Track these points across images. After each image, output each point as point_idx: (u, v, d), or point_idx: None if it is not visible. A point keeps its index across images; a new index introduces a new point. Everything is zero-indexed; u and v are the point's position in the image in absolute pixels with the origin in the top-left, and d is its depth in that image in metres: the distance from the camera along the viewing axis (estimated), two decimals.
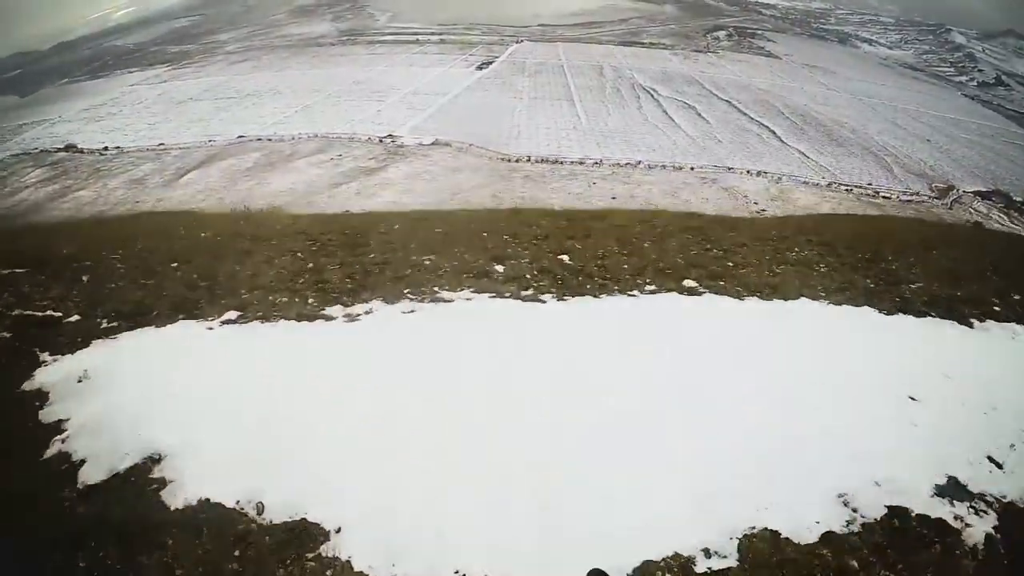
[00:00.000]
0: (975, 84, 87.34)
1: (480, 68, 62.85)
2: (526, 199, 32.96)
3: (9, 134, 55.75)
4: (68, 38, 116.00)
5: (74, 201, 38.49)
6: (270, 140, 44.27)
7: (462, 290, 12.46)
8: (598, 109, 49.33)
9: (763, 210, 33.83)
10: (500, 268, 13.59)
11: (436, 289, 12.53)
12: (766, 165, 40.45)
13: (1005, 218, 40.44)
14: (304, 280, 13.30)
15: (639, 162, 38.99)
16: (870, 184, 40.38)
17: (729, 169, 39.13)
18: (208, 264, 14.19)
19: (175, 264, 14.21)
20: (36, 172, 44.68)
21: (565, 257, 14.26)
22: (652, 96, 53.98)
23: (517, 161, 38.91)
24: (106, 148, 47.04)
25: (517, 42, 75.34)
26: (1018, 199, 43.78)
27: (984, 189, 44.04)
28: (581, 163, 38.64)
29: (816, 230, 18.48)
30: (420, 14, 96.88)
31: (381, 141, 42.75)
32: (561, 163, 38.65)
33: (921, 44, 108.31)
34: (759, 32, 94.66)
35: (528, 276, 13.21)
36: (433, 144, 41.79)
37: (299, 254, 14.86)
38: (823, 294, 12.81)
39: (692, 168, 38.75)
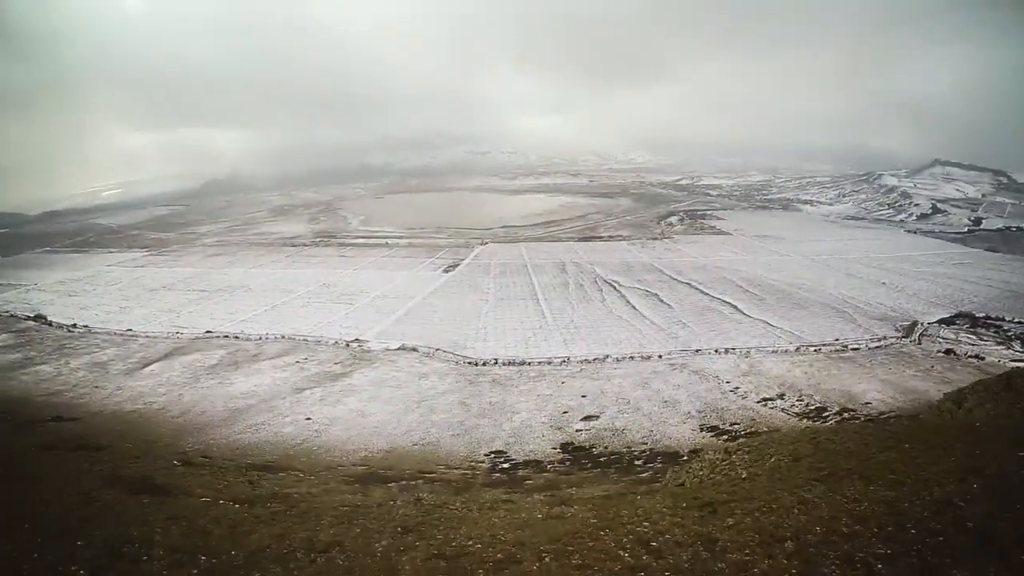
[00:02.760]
0: (914, 218, 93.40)
1: (447, 270, 65.52)
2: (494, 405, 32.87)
3: None
4: (56, 208, 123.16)
5: (33, 374, 38.18)
6: (237, 338, 44.80)
7: None
8: (563, 306, 50.68)
9: (736, 388, 33.80)
10: None
11: None
12: (733, 341, 40.99)
13: (974, 337, 41.24)
14: None
15: (607, 356, 39.27)
16: (837, 339, 40.97)
17: (697, 351, 39.49)
18: None
19: None
20: (1, 337, 45.31)
21: None
22: (614, 288, 55.86)
23: (484, 364, 39.01)
24: (74, 325, 47.97)
25: (482, 244, 79.47)
26: (981, 315, 45.11)
27: (947, 315, 45.58)
28: (549, 362, 38.78)
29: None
30: (390, 218, 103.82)
31: (348, 345, 43.14)
32: (528, 364, 38.75)
33: (858, 194, 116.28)
34: (708, 212, 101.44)
35: None
36: (400, 349, 42.13)
37: None
38: None
39: (660, 356, 39.03)
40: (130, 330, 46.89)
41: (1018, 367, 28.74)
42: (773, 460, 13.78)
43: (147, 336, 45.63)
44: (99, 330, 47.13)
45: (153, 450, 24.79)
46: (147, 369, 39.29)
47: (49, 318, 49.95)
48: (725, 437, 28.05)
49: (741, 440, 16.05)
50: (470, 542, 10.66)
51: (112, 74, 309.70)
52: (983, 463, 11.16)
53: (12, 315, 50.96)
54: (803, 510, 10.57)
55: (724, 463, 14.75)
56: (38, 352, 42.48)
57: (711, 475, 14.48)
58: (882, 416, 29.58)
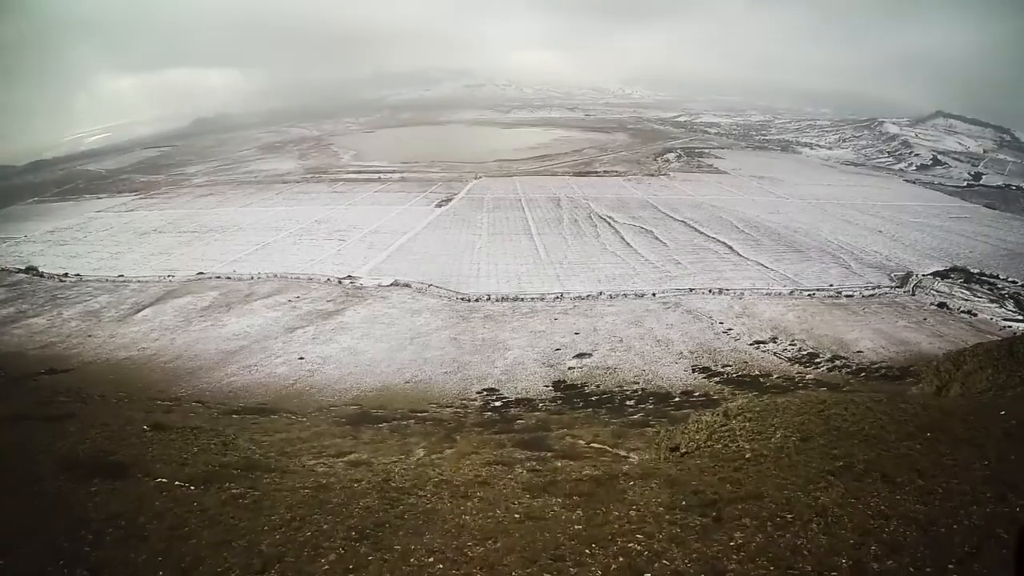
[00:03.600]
0: (914, 168, 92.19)
1: (440, 205, 64.34)
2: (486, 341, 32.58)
3: None
4: (44, 157, 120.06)
5: (26, 328, 37.67)
6: (229, 278, 44.15)
7: None
8: (557, 242, 50.06)
9: (729, 329, 33.62)
10: None
11: None
12: (727, 282, 40.66)
13: (968, 293, 41.12)
14: None
15: (600, 293, 38.92)
16: (831, 285, 40.76)
17: (691, 291, 39.21)
18: None
19: None
20: None
21: None
22: (609, 224, 55.15)
23: (477, 300, 38.60)
24: (66, 275, 47.21)
25: (476, 178, 77.90)
26: (976, 271, 44.92)
27: (942, 268, 45.42)
28: (542, 299, 38.41)
29: None
30: (383, 152, 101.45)
31: (340, 282, 42.60)
32: (522, 300, 38.39)
33: (858, 140, 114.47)
34: (706, 151, 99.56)
35: None
36: (392, 285, 41.64)
37: None
38: None
39: (654, 294, 38.69)
40: (122, 276, 45.96)
41: (1021, 333, 28.58)
42: (779, 436, 11.85)
43: (139, 281, 44.74)
44: (91, 278, 46.11)
45: (132, 406, 23.75)
46: (140, 315, 38.57)
47: (41, 269, 48.79)
48: (717, 379, 28.07)
49: (742, 402, 14.05)
50: (431, 559, 8.91)
51: (94, 17, 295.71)
52: (1020, 475, 9.53)
53: (3, 268, 49.64)
54: (823, 525, 8.82)
55: (723, 429, 13.10)
56: (30, 305, 41.59)
57: (709, 443, 12.80)
58: (873, 365, 29.57)
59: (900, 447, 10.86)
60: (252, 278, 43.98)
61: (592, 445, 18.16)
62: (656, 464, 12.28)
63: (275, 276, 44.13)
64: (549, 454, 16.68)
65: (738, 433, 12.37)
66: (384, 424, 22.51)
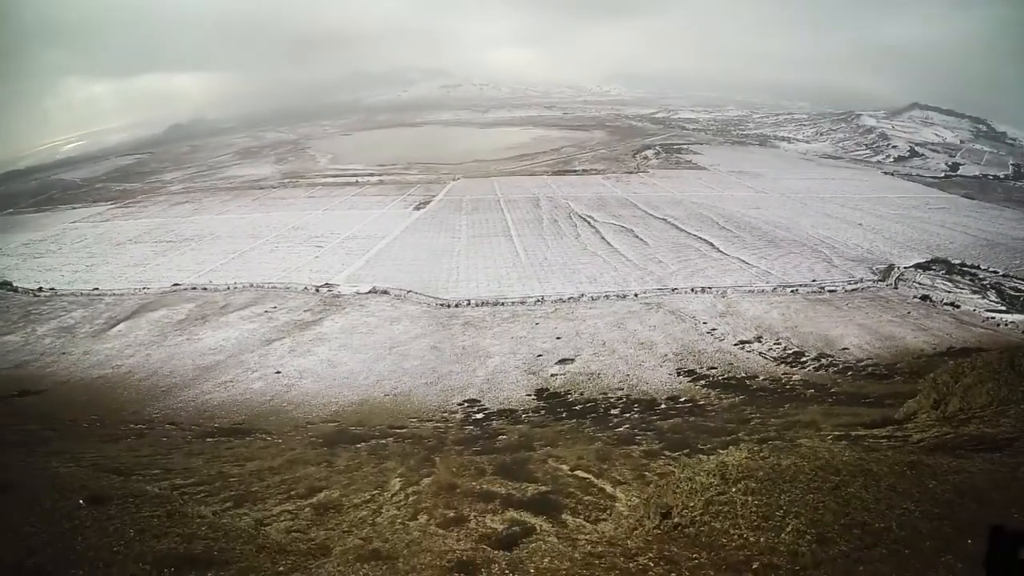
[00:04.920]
0: (892, 160, 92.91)
1: (418, 208, 63.39)
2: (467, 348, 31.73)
3: None
4: (17, 167, 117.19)
5: (0, 346, 36.04)
6: (205, 289, 42.74)
7: None
8: (536, 243, 49.27)
9: (713, 329, 33.03)
10: None
11: None
12: (710, 280, 40.13)
13: (950, 284, 40.89)
14: None
15: (582, 295, 38.14)
16: (814, 280, 40.39)
17: (673, 290, 38.59)
18: None
19: None
20: None
21: None
22: (589, 223, 54.45)
23: (457, 306, 37.64)
24: (40, 289, 45.51)
25: (454, 179, 77.06)
26: (957, 262, 44.81)
27: (923, 260, 45.20)
28: (523, 302, 37.55)
29: None
30: (360, 155, 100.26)
31: (317, 291, 41.45)
32: (502, 304, 37.48)
33: (836, 133, 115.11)
34: (685, 147, 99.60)
35: None
36: (370, 292, 40.56)
37: None
38: None
39: (636, 295, 38.00)
40: (96, 289, 44.25)
41: (1020, 344, 28.06)
42: (791, 530, 9.69)
43: (114, 294, 43.06)
44: (65, 292, 44.37)
45: (104, 429, 22.68)
46: (114, 330, 36.98)
47: (15, 284, 46.84)
48: (703, 383, 27.29)
49: (742, 457, 11.80)
50: None
51: (64, 22, 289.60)
52: None
53: None
54: None
55: (722, 499, 11.11)
56: (4, 322, 39.80)
57: (706, 517, 10.87)
58: (860, 363, 29.21)
59: (940, 567, 8.52)
60: (228, 288, 42.55)
61: (576, 473, 17.23)
62: (647, 548, 10.60)
63: (251, 286, 42.77)
64: (527, 502, 15.20)
65: (740, 512, 10.43)
66: (362, 444, 21.48)
